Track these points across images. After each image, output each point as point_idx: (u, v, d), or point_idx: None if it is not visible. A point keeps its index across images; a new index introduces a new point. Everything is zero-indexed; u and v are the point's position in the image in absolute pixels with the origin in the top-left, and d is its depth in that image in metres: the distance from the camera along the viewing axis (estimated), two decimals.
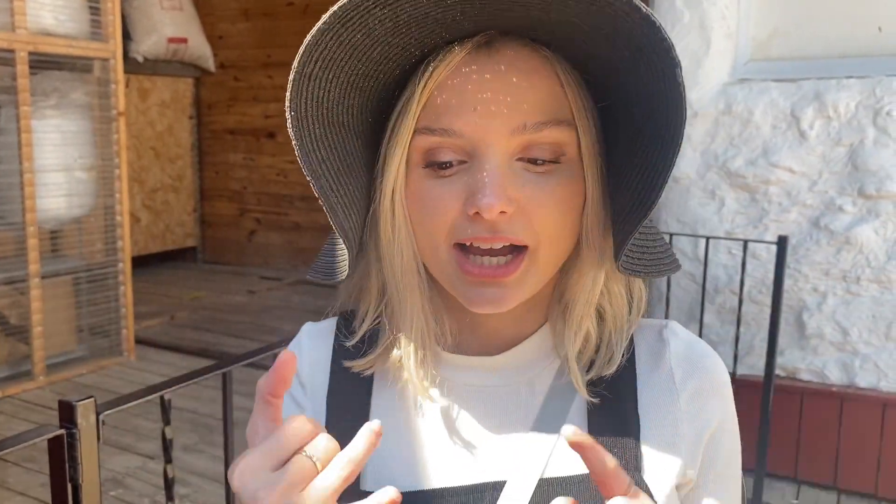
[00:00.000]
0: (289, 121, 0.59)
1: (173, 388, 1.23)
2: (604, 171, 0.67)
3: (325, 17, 0.55)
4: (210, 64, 6.45)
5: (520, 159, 0.64)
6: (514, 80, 0.62)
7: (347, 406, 0.75)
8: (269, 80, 6.27)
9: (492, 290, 0.64)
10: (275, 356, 1.54)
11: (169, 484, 1.30)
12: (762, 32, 2.94)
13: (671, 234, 2.88)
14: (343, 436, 0.74)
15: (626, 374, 0.72)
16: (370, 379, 0.76)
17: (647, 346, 0.74)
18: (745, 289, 2.81)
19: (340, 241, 0.71)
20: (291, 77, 0.58)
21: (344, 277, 0.70)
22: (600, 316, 0.72)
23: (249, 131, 6.48)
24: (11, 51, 3.52)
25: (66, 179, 3.92)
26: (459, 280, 0.66)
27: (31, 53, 3.61)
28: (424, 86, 0.63)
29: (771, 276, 2.68)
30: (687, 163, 2.96)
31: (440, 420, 0.73)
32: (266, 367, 1.67)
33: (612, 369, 0.71)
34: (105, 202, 4.09)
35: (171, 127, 6.41)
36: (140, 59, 5.89)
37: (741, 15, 2.92)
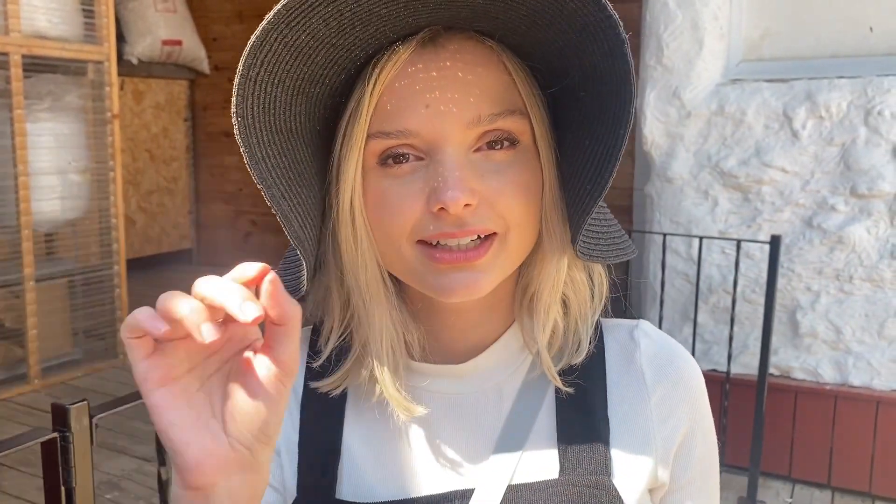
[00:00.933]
0: (236, 126, 0.58)
1: None
2: (557, 158, 0.67)
3: (268, 16, 0.54)
4: (204, 66, 6.45)
5: (477, 150, 0.63)
6: (463, 73, 0.62)
7: (321, 422, 0.74)
8: None
9: (464, 275, 0.63)
10: None
11: (163, 486, 1.30)
12: (754, 33, 2.95)
13: (665, 235, 2.89)
14: (318, 452, 0.72)
15: (596, 375, 0.71)
16: (343, 393, 0.74)
17: (618, 346, 0.73)
18: (739, 288, 2.82)
19: (293, 257, 0.69)
20: (237, 81, 0.56)
21: (304, 294, 0.68)
22: (565, 305, 0.71)
23: None
24: (5, 54, 3.52)
25: (60, 182, 3.91)
26: (430, 271, 0.64)
27: (24, 56, 3.61)
28: (373, 87, 0.62)
29: (764, 275, 2.70)
30: (680, 163, 2.97)
31: (412, 430, 0.72)
32: None
33: (581, 357, 0.70)
34: (100, 205, 4.09)
35: (165, 129, 6.41)
36: (134, 61, 5.88)
37: (733, 16, 2.93)
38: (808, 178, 2.78)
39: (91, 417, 1.07)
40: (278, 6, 0.54)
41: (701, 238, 2.79)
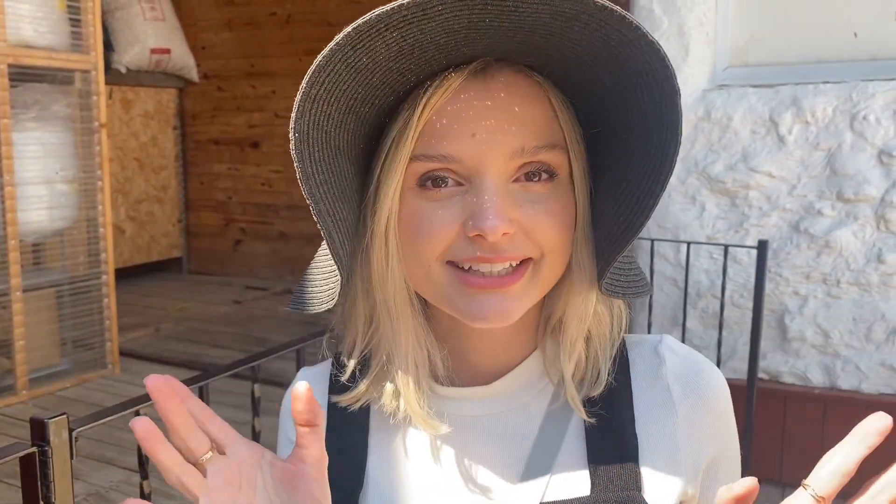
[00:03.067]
0: (292, 142, 0.59)
1: (149, 402, 1.22)
2: (591, 194, 0.68)
3: (338, 37, 0.55)
4: (193, 74, 6.44)
5: (515, 180, 0.64)
6: (511, 105, 0.63)
7: (345, 444, 0.75)
8: (253, 90, 6.26)
9: (495, 301, 0.64)
10: (252, 369, 1.53)
11: (146, 499, 1.28)
12: (740, 39, 2.96)
13: (653, 240, 2.89)
14: (343, 474, 0.73)
15: (623, 394, 0.72)
16: (367, 414, 0.76)
17: (643, 363, 0.74)
18: (727, 293, 2.82)
19: (318, 271, 0.71)
20: (298, 98, 0.58)
21: (333, 305, 0.69)
22: (587, 337, 0.72)
23: (234, 141, 6.46)
24: None
25: (47, 192, 3.89)
26: (460, 295, 0.65)
27: (10, 66, 3.59)
28: (422, 111, 0.63)
29: (752, 280, 2.70)
30: None
31: (439, 451, 0.73)
32: (247, 378, 1.65)
33: (600, 389, 0.70)
34: (88, 214, 4.07)
35: (154, 138, 6.39)
36: (123, 69, 5.87)
37: (719, 21, 2.94)
38: (795, 183, 2.79)
39: (71, 431, 1.06)
40: (349, 29, 0.55)
41: (689, 243, 2.79)
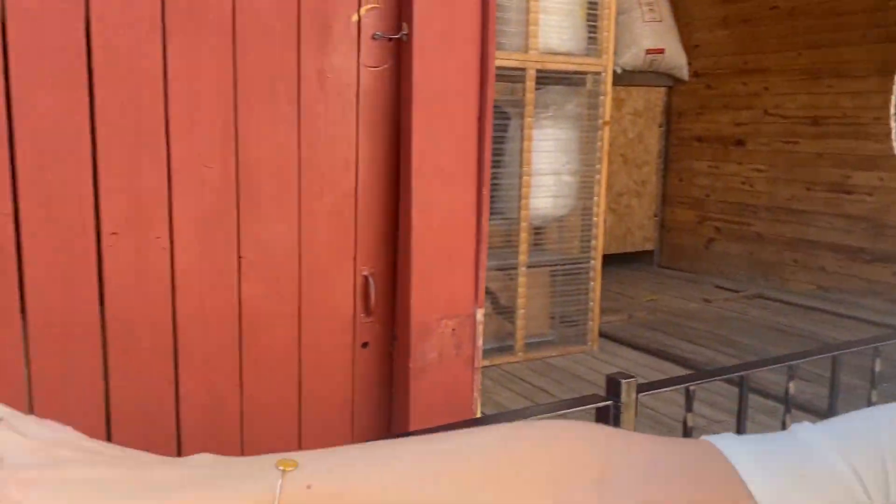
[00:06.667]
0: None
1: (699, 381, 1.34)
2: None
3: None
4: (684, 73, 6.57)
5: None
6: None
7: None
8: (743, 87, 6.14)
9: None
10: (741, 378, 1.54)
11: None
12: None
13: None
14: None
15: None
16: None
17: None
18: None
19: None
20: None
21: None
22: None
23: (717, 139, 6.44)
24: (522, 69, 4.07)
25: (554, 182, 4.39)
26: None
27: (538, 71, 4.13)
28: None
29: None
30: None
31: None
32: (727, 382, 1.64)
33: None
34: (584, 204, 4.49)
35: (640, 134, 6.70)
36: (619, 70, 6.26)
37: None
38: None
39: (637, 392, 1.22)
40: None
41: None
